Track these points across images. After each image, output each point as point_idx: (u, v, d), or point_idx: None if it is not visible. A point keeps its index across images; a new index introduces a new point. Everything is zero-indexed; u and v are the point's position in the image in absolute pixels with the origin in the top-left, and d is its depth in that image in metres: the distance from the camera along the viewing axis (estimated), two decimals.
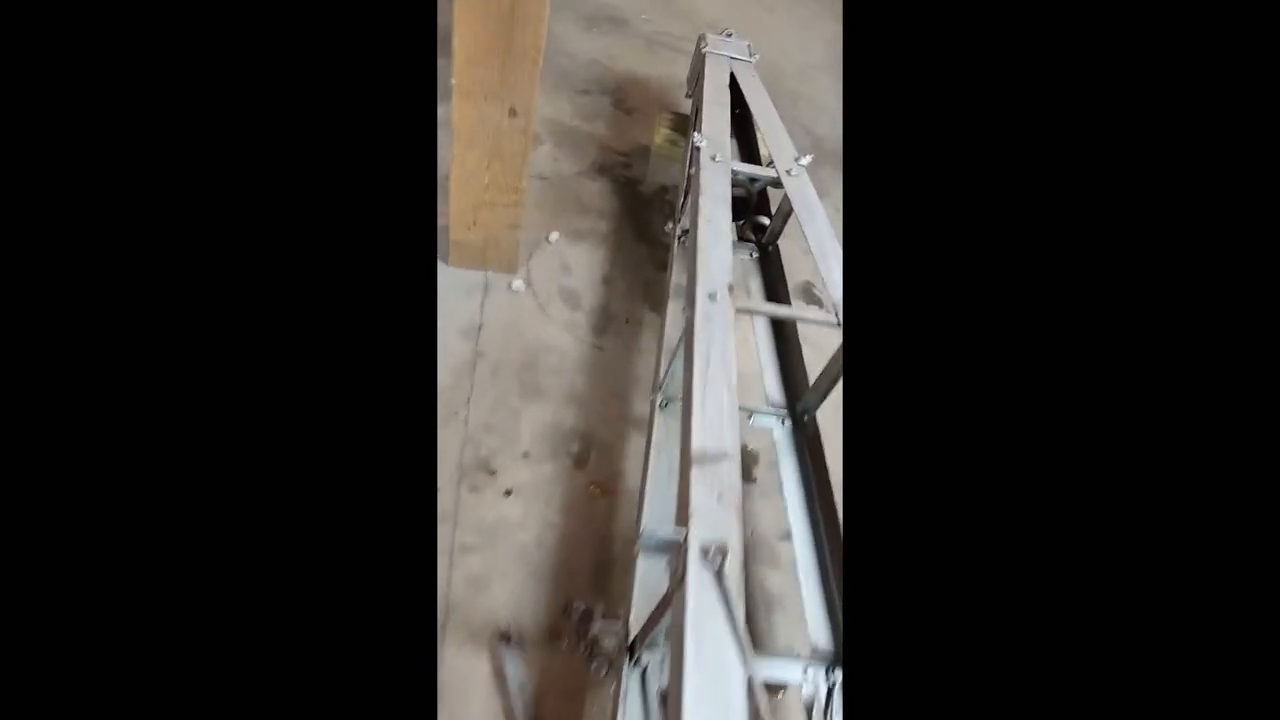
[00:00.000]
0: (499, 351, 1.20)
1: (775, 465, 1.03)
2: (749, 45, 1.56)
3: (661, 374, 1.08)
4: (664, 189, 1.60)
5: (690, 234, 1.03)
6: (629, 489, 1.09)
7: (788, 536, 0.93)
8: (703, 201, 1.06)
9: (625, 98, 1.82)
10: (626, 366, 1.25)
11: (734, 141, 1.37)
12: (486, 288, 1.29)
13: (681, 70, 1.93)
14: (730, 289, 0.90)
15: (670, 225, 1.38)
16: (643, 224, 1.53)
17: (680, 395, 0.93)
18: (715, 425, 0.75)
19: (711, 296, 0.88)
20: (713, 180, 1.11)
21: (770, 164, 1.22)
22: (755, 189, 1.33)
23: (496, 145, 1.10)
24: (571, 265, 1.38)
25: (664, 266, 1.40)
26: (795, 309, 1.01)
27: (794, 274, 1.30)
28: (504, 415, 1.12)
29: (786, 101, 1.98)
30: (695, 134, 1.23)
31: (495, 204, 1.19)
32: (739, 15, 2.28)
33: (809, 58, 2.24)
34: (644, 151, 1.66)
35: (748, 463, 1.21)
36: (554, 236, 1.43)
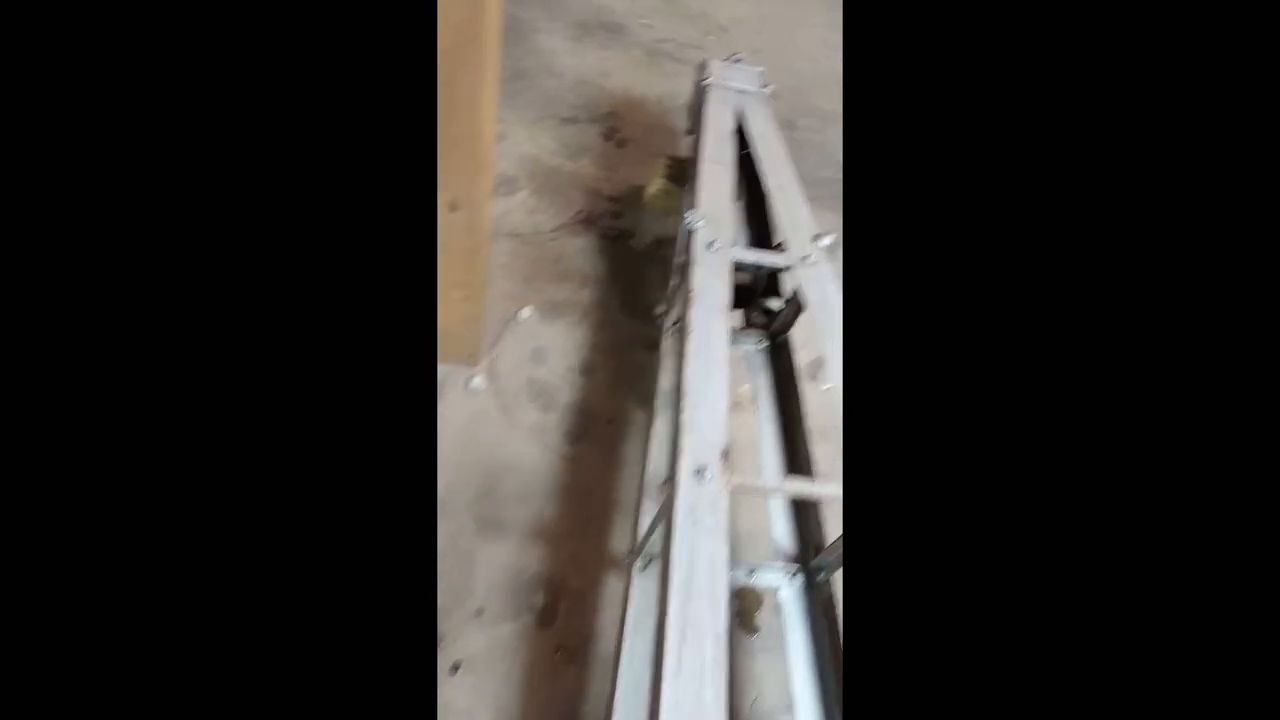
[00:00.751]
0: (450, 474, 1.01)
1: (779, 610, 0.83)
2: (761, 73, 1.32)
3: (641, 531, 0.88)
4: (659, 243, 1.39)
5: (677, 369, 0.82)
6: (603, 654, 0.90)
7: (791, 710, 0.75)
8: (694, 315, 0.85)
9: (619, 125, 1.60)
10: (606, 485, 1.05)
11: (740, 206, 1.15)
12: (440, 387, 1.10)
13: (688, 85, 1.70)
14: (726, 455, 0.70)
15: (660, 309, 1.17)
16: (634, 290, 1.32)
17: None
18: (692, 694, 0.56)
19: (699, 473, 0.67)
20: (708, 279, 0.89)
21: (782, 245, 1.01)
22: (764, 273, 1.11)
23: (441, 241, 0.90)
24: (545, 350, 1.18)
25: (656, 345, 1.20)
26: (814, 484, 0.82)
27: (812, 343, 1.09)
28: (454, 560, 0.94)
29: (812, 124, 1.75)
30: (689, 208, 1.02)
31: (446, 299, 0.99)
32: (758, 15, 2.03)
33: (840, 65, 1.98)
34: (639, 194, 1.44)
35: (749, 607, 1.02)
36: (525, 313, 1.22)
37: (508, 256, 1.29)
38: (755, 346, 1.14)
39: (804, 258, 0.97)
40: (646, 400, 1.15)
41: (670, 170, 1.33)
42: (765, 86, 1.31)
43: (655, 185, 1.31)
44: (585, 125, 1.57)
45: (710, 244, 0.95)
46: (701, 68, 1.32)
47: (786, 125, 1.69)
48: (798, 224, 1.03)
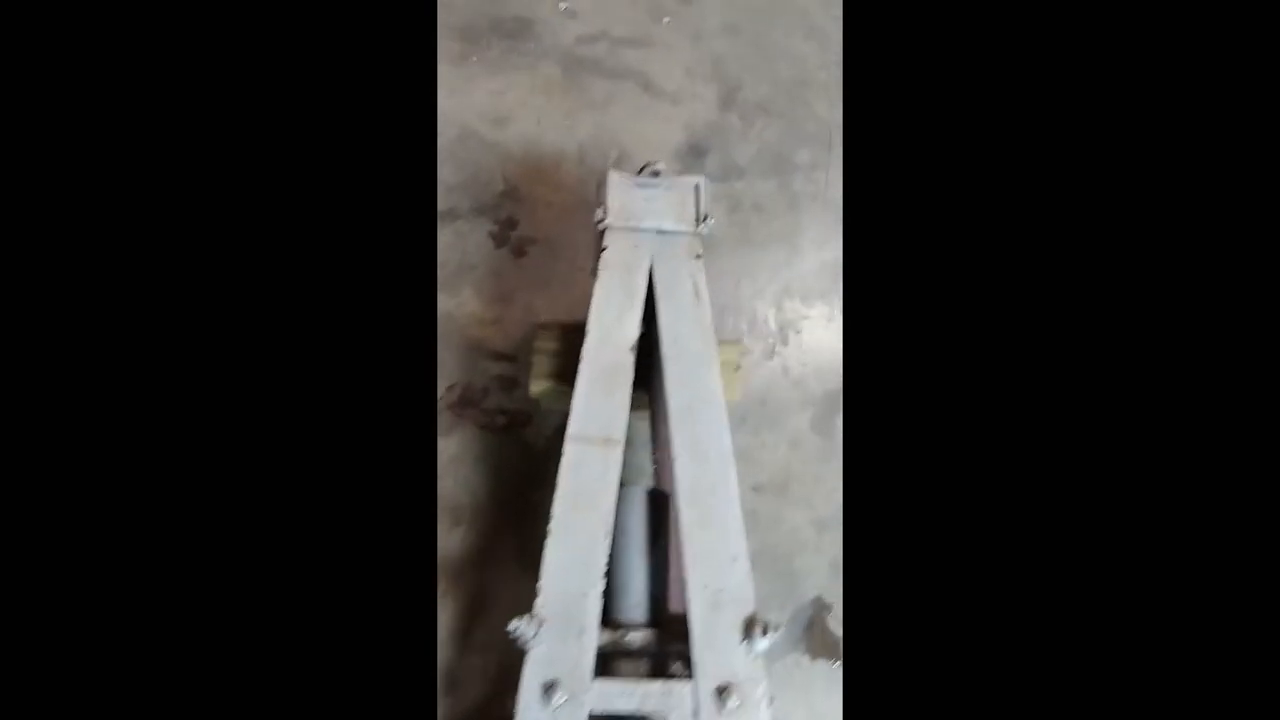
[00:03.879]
0: None
1: None
2: (698, 189, 0.85)
3: None
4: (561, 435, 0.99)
5: None
6: None
7: None
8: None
9: (518, 216, 1.13)
10: None
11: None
12: None
13: (628, 118, 1.21)
14: None
15: None
16: (531, 521, 0.94)
17: None
18: None
19: None
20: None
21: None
22: None
23: None
24: None
25: None
26: None
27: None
28: None
29: (810, 156, 1.22)
30: (570, 426, 0.67)
31: None
32: None
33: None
34: (542, 339, 1.03)
35: None
36: None
37: None
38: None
39: (720, 693, 0.60)
40: None
41: (557, 356, 0.91)
42: (702, 222, 0.83)
43: (538, 386, 0.90)
44: (467, 221, 1.11)
45: (548, 689, 0.59)
46: (599, 192, 0.85)
47: (775, 165, 1.20)
48: (717, 578, 0.64)
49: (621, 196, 0.84)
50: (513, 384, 1.02)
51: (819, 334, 1.12)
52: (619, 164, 1.19)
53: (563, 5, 1.29)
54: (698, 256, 0.82)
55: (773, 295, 1.14)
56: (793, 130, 1.25)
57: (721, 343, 0.85)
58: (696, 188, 0.85)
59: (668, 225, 0.83)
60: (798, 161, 1.22)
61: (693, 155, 1.21)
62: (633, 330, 0.76)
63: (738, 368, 0.91)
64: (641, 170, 0.84)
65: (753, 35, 1.32)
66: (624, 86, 1.24)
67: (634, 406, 0.75)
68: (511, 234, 1.12)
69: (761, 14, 1.34)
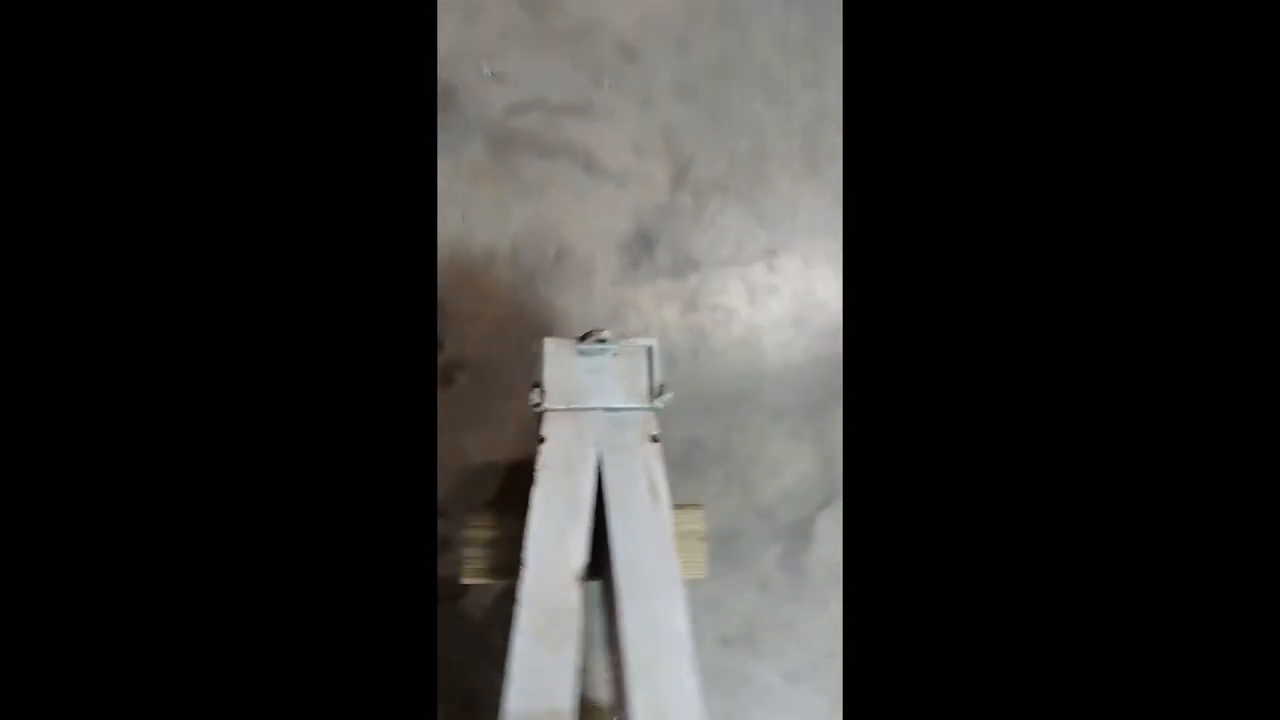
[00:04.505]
0: None
1: None
2: (650, 356, 0.73)
3: None
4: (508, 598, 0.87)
5: None
6: None
7: None
8: None
9: (443, 331, 0.98)
10: None
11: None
12: None
13: (569, 204, 1.06)
14: None
15: None
16: (473, 711, 0.84)
17: None
18: None
19: None
20: None
21: None
22: None
23: None
24: None
25: None
26: None
27: None
28: None
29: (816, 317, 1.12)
30: (507, 697, 0.54)
31: None
32: (686, 9, 1.25)
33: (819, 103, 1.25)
34: (476, 488, 0.91)
35: None
36: None
37: None
38: None
39: None
40: None
41: (492, 547, 0.79)
42: (658, 396, 0.72)
43: (470, 575, 0.78)
44: None
45: None
46: (536, 361, 0.72)
47: (734, 253, 1.07)
48: None
49: (561, 370, 0.71)
50: (443, 546, 0.91)
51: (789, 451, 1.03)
52: (559, 261, 1.06)
53: (488, 70, 1.12)
54: (654, 439, 0.71)
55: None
56: (751, 210, 1.14)
57: (681, 509, 0.75)
58: (649, 352, 0.73)
59: (616, 402, 0.72)
60: (756, 248, 1.11)
61: (641, 246, 1.09)
62: (579, 555, 0.64)
63: (702, 538, 0.81)
64: (584, 338, 0.72)
65: (707, 98, 1.19)
66: (563, 166, 1.10)
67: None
68: (436, 358, 0.98)
69: (715, 72, 1.21)
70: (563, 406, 0.70)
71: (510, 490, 0.96)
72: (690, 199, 1.14)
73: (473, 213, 1.06)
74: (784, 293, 1.08)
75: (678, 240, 1.11)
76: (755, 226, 1.13)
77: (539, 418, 0.70)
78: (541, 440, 0.69)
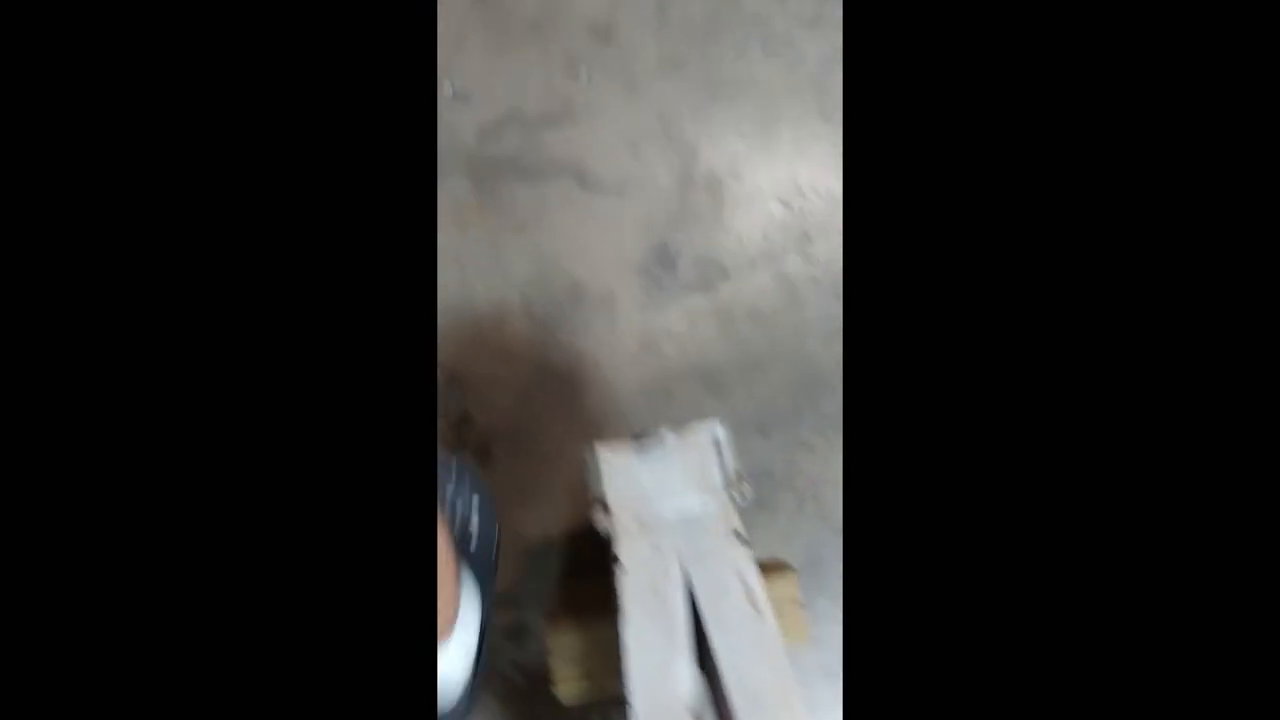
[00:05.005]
0: None
1: None
2: (717, 445, 0.64)
3: None
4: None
5: None
6: None
7: None
8: None
9: (468, 405, 0.89)
10: None
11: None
12: None
13: (570, 231, 0.95)
14: None
15: None
16: None
17: None
18: None
19: None
20: None
21: None
22: None
23: None
24: None
25: None
26: None
27: None
28: None
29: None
30: None
31: None
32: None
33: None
34: (546, 569, 0.84)
35: None
36: None
37: None
38: None
39: None
40: None
41: (581, 660, 0.73)
42: (736, 485, 0.63)
43: (568, 691, 0.73)
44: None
45: None
46: (590, 474, 0.64)
47: (764, 251, 0.97)
48: None
49: (621, 480, 0.63)
50: (521, 632, 0.86)
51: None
52: (576, 300, 0.95)
53: (449, 89, 0.97)
54: (742, 540, 0.64)
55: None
56: (774, 189, 1.01)
57: (771, 576, 0.69)
58: (715, 438, 0.65)
59: (690, 504, 0.64)
60: (787, 236, 1.00)
61: (660, 263, 0.98)
62: (686, 685, 0.59)
63: (800, 603, 0.76)
64: (639, 437, 0.63)
65: (698, 69, 1.03)
66: (555, 187, 0.97)
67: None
68: (468, 434, 0.90)
69: (704, 35, 1.05)
70: (633, 523, 0.63)
71: (578, 562, 0.91)
72: (704, 194, 1.02)
73: (470, 263, 0.95)
74: (825, 283, 0.98)
75: (699, 246, 0.99)
76: (781, 210, 1.01)
77: (605, 545, 0.63)
78: (616, 563, 0.62)
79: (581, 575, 0.86)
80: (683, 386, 0.96)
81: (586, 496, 0.67)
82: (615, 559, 0.62)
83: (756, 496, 0.89)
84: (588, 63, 1.02)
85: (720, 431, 0.64)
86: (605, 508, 0.62)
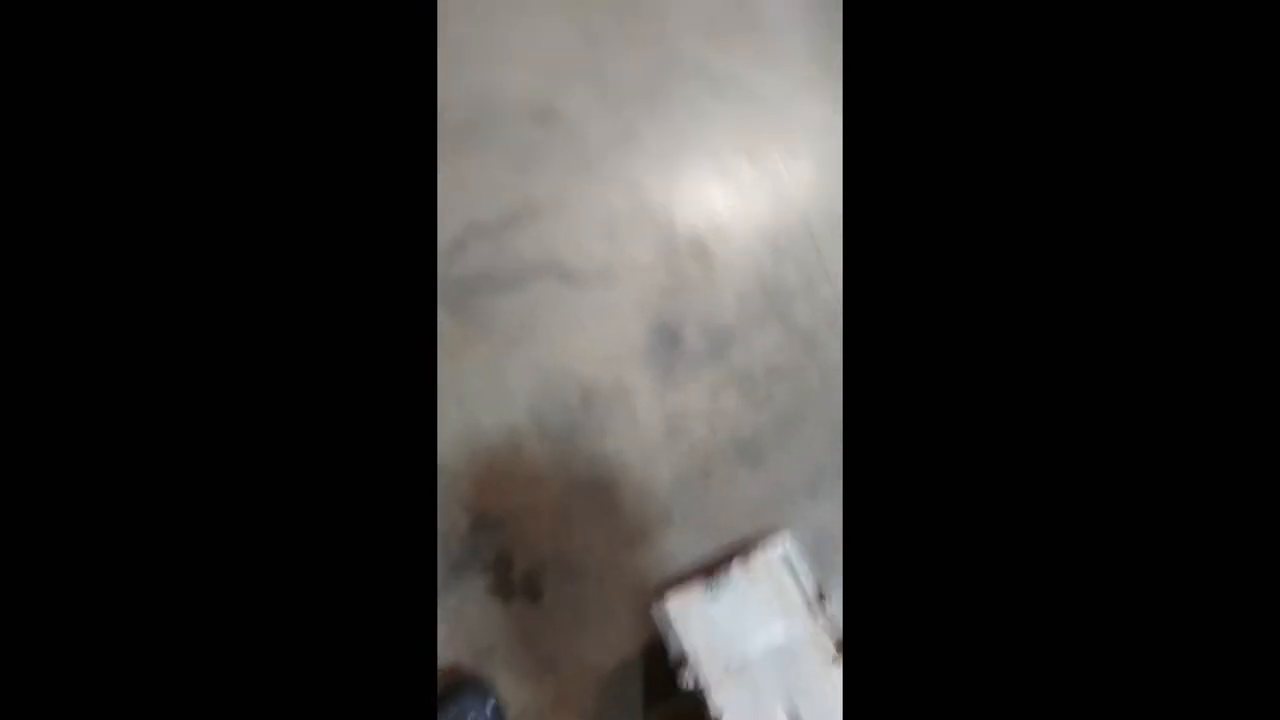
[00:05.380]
0: None
1: None
2: (789, 564, 0.59)
3: None
4: None
5: None
6: None
7: None
8: None
9: (505, 543, 0.83)
10: None
11: None
12: None
13: (563, 336, 0.88)
14: None
15: None
16: None
17: None
18: None
19: None
20: None
21: None
22: None
23: None
24: None
25: None
26: None
27: None
28: None
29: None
30: None
31: None
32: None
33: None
34: None
35: None
36: None
37: None
38: None
39: None
40: None
41: None
42: (818, 603, 0.59)
43: None
44: (452, 591, 0.80)
45: None
46: (663, 629, 0.59)
47: (769, 305, 0.93)
48: None
49: (699, 629, 0.59)
50: None
51: None
52: (588, 404, 0.90)
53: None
54: (837, 661, 0.59)
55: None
56: (768, 246, 0.96)
57: None
58: (786, 558, 0.60)
59: (777, 635, 0.59)
60: (790, 288, 0.95)
61: (665, 343, 0.93)
62: None
63: None
64: (710, 572, 0.58)
65: (651, 127, 0.99)
66: (537, 292, 0.92)
67: None
68: (512, 576, 0.85)
69: (648, 92, 1.00)
70: (722, 673, 0.58)
71: (663, 681, 0.86)
72: (691, 261, 0.97)
73: (468, 394, 0.90)
74: (839, 325, 0.93)
75: (700, 315, 0.94)
76: (773, 259, 0.96)
77: (699, 697, 0.58)
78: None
79: (668, 694, 0.81)
80: (719, 464, 0.91)
81: (655, 630, 0.63)
82: (716, 717, 0.57)
83: (819, 559, 0.85)
84: (535, 152, 0.98)
85: (789, 545, 0.59)
86: (689, 665, 0.57)
